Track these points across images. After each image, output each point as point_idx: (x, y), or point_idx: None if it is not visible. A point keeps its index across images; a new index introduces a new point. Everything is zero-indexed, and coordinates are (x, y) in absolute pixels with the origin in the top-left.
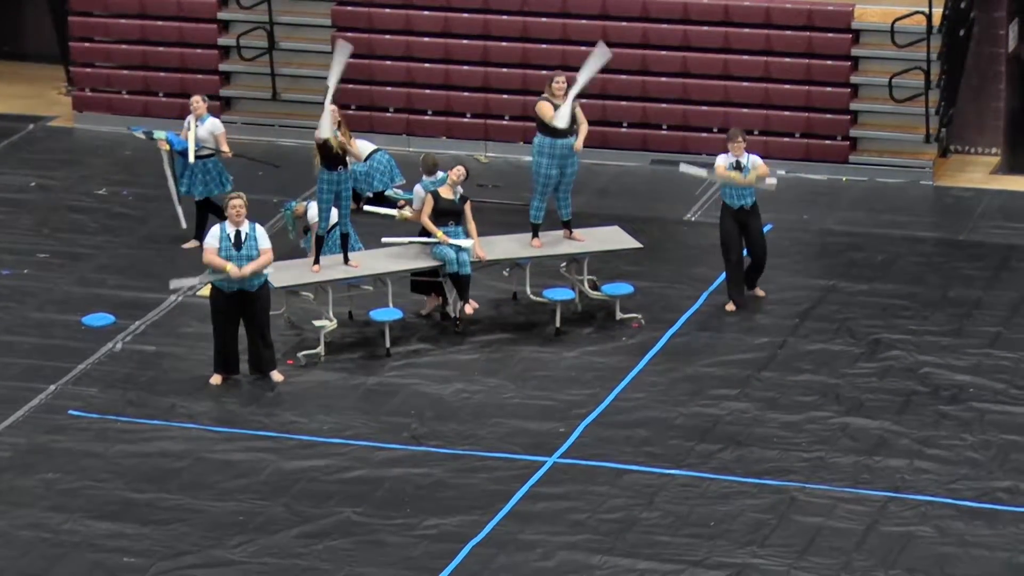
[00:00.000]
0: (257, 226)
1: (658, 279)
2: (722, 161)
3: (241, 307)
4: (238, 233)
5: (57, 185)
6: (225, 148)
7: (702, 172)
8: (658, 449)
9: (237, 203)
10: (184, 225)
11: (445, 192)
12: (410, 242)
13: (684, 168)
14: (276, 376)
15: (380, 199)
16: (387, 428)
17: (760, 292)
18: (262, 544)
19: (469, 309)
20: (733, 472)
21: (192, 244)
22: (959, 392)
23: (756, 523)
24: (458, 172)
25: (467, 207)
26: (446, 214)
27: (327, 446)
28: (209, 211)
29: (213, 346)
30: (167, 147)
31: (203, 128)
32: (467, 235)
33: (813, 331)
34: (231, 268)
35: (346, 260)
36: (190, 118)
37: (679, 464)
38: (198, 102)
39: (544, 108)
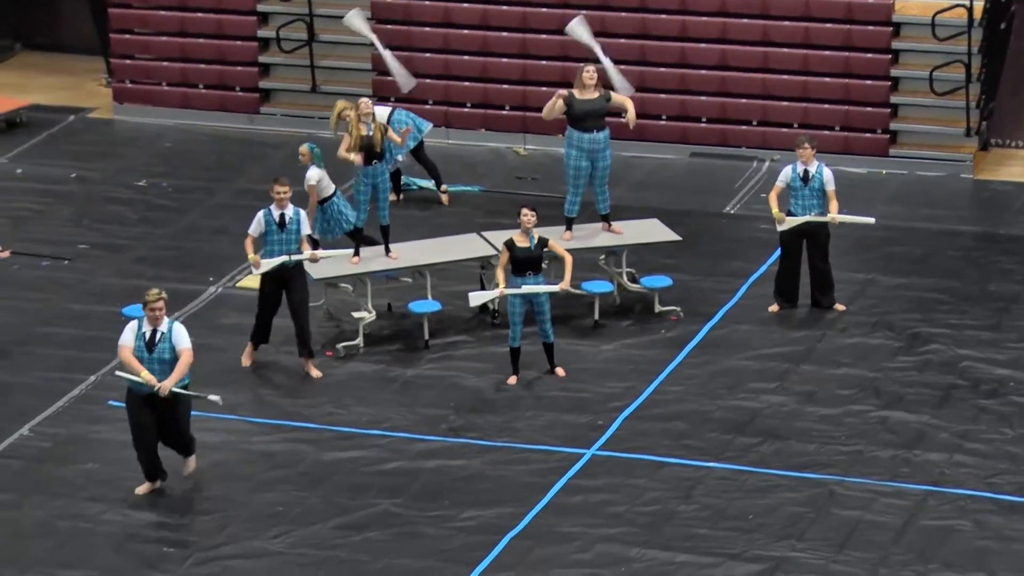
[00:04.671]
0: (175, 325)
1: (696, 272)
2: (787, 173)
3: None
4: (153, 332)
5: (97, 176)
6: None
7: (797, 221)
8: (696, 442)
9: (159, 305)
10: None
11: (520, 240)
12: (501, 294)
13: (782, 227)
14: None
15: (396, 178)
16: (425, 420)
17: (840, 306)
18: (300, 535)
19: (561, 372)
20: (771, 465)
21: None
22: (999, 386)
23: (794, 516)
24: (529, 218)
25: (551, 245)
26: (523, 264)
27: (365, 438)
28: None
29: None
30: None
31: None
32: (547, 281)
33: (852, 325)
34: (146, 376)
35: (387, 251)
36: None
37: (717, 457)
38: None
39: (554, 101)
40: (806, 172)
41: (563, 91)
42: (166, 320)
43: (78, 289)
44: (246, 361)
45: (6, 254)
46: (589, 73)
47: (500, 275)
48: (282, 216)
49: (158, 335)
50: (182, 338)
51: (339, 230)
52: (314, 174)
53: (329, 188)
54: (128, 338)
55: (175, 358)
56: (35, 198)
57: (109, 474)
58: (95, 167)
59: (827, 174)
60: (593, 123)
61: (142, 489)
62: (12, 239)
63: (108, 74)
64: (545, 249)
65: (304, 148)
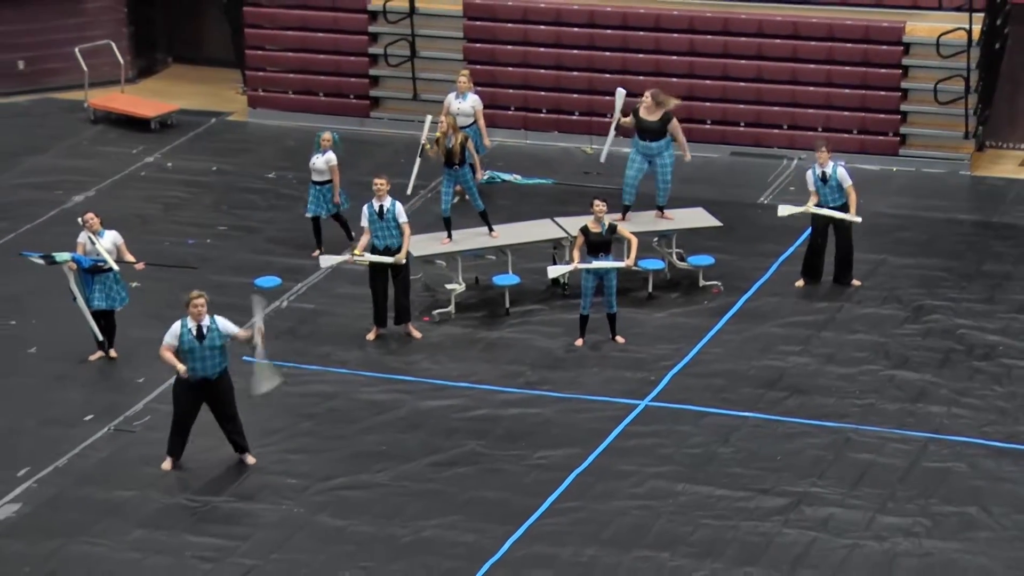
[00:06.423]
0: (219, 319)
1: (735, 253)
2: (810, 178)
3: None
4: (199, 327)
5: (233, 170)
6: (130, 258)
7: (798, 210)
8: (733, 395)
9: (200, 302)
10: (101, 338)
11: (593, 227)
12: (575, 267)
13: (783, 211)
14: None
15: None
16: (506, 375)
17: (856, 282)
18: (400, 470)
19: (620, 340)
20: (796, 415)
21: (99, 355)
22: (991, 350)
23: (816, 459)
24: (601, 208)
25: (620, 229)
26: (597, 246)
27: (455, 389)
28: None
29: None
30: (75, 267)
31: (106, 240)
32: (615, 258)
33: (866, 298)
34: (181, 368)
35: (490, 230)
36: (85, 234)
37: (751, 408)
38: (92, 218)
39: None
40: (824, 173)
41: (627, 119)
42: (207, 317)
43: (218, 263)
44: (371, 337)
45: (140, 265)
46: (647, 100)
47: (575, 255)
48: (381, 207)
49: (204, 328)
50: (229, 326)
51: (324, 209)
52: (333, 157)
53: (325, 174)
54: (171, 341)
55: (223, 346)
56: (182, 188)
57: (242, 418)
58: (232, 162)
59: (841, 172)
60: (650, 136)
61: (167, 465)
62: (163, 222)
63: (243, 83)
64: (614, 234)
65: (328, 135)
